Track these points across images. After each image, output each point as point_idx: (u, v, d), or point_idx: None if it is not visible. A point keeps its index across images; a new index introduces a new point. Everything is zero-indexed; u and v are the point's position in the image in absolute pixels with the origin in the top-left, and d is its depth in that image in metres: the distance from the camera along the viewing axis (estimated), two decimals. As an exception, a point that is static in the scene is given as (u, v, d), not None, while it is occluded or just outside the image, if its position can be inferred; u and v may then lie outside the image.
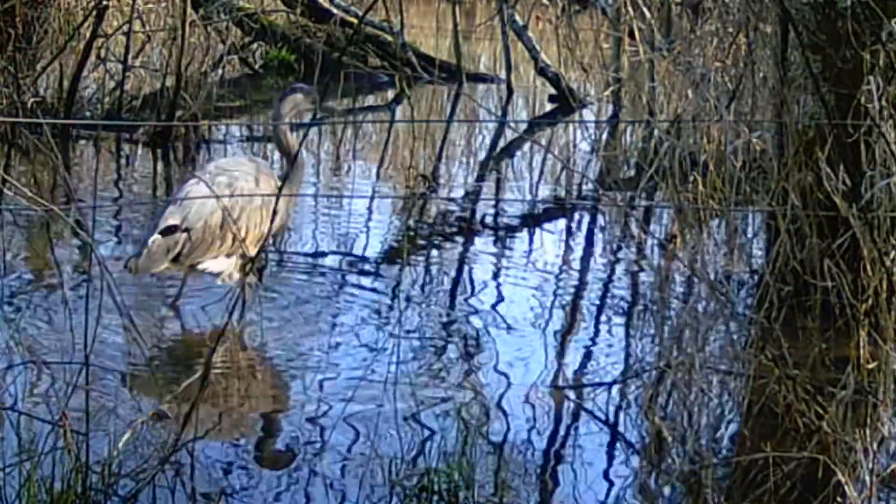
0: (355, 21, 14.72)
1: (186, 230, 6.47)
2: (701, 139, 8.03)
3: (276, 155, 11.55)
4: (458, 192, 10.56)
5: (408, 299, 7.22)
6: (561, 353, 6.50)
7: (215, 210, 6.48)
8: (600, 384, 6.03)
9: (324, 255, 7.78)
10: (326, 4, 15.54)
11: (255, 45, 15.71)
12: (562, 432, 5.48)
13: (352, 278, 7.59)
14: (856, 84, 6.55)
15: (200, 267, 6.57)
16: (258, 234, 6.63)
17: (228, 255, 6.64)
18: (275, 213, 6.10)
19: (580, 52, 14.24)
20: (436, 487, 4.73)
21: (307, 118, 7.29)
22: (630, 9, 11.80)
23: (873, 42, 6.56)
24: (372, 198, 9.33)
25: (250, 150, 11.91)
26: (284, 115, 6.85)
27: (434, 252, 8.39)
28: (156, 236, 6.43)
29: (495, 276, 7.84)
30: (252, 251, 6.61)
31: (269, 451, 5.19)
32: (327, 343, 6.54)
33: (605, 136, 12.47)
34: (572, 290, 7.68)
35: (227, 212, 6.50)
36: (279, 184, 6.43)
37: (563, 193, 10.67)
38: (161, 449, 4.67)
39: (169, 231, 6.46)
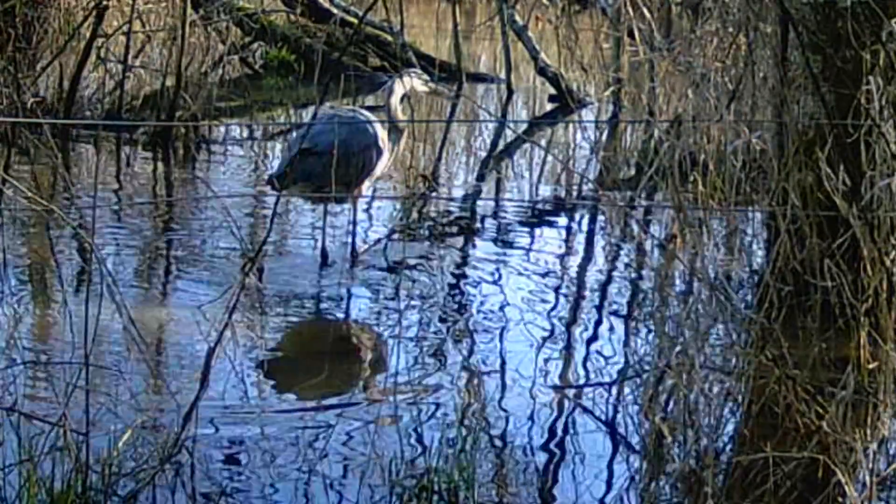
0: (355, 21, 14.72)
1: (318, 153, 7.27)
2: (701, 139, 8.00)
3: (276, 152, 11.64)
4: (458, 192, 10.56)
5: (407, 299, 7.22)
6: (561, 353, 6.50)
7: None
8: (600, 384, 6.03)
9: (323, 255, 7.78)
10: (326, 4, 15.54)
11: (255, 45, 15.70)
12: (562, 432, 5.47)
13: (351, 278, 7.58)
14: (856, 84, 6.54)
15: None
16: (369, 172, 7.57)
17: (348, 183, 7.46)
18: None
19: (580, 52, 14.23)
20: (436, 487, 4.72)
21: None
22: (630, 9, 11.78)
23: (873, 42, 6.55)
24: (372, 198, 9.31)
25: (251, 150, 11.91)
26: (397, 92, 7.74)
27: (434, 252, 8.38)
28: (293, 156, 7.24)
29: (495, 276, 7.84)
30: (364, 186, 7.71)
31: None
32: (327, 342, 6.54)
33: (605, 136, 12.46)
34: (572, 290, 7.68)
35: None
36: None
37: (563, 193, 10.67)
38: (161, 449, 4.67)
39: (305, 153, 7.26)
